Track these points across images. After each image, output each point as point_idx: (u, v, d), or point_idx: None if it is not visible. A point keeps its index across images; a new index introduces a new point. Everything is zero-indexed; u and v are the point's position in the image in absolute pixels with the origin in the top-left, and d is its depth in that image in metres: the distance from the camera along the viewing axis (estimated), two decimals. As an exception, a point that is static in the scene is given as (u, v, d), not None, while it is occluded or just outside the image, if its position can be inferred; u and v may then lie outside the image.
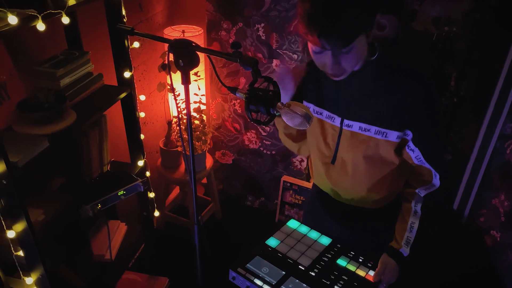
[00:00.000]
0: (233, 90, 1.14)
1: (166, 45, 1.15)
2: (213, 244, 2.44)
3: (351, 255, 1.25)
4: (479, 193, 2.36)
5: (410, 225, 1.25)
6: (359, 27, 1.02)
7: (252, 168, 2.77)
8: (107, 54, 1.66)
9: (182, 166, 2.50)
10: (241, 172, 2.81)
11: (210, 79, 2.58)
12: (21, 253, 1.30)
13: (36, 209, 1.45)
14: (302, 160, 2.61)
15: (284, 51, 2.33)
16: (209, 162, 2.53)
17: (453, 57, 2.11)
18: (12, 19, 1.07)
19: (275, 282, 1.13)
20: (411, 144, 1.17)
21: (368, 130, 1.18)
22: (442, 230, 2.37)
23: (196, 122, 2.35)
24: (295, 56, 2.32)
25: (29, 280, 1.34)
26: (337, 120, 1.23)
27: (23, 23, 1.11)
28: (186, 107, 1.19)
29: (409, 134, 1.16)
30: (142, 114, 1.81)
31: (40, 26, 1.16)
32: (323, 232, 1.36)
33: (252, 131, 2.63)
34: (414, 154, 1.19)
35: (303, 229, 1.35)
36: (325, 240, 1.31)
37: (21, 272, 1.34)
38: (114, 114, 1.86)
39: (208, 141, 2.43)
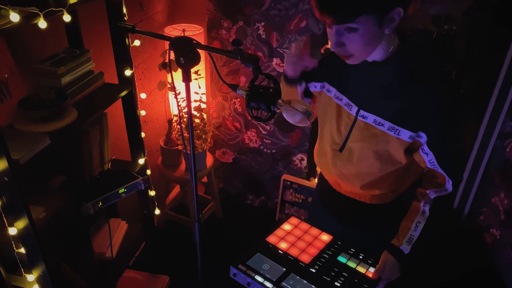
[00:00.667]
0: (234, 87, 1.15)
1: (167, 43, 1.16)
2: (214, 242, 2.44)
3: (351, 252, 1.26)
4: (479, 191, 2.36)
5: (415, 224, 1.24)
6: (361, 7, 0.99)
7: (252, 167, 2.77)
8: (108, 52, 1.67)
9: (183, 165, 2.51)
10: (241, 171, 2.82)
11: (211, 77, 2.58)
12: (22, 250, 1.30)
13: (37, 206, 1.46)
14: (302, 159, 2.62)
15: (285, 50, 2.33)
16: (209, 160, 2.53)
17: (453, 56, 2.11)
18: (14, 17, 1.08)
19: (276, 278, 1.14)
20: (425, 147, 1.15)
21: (382, 125, 1.17)
22: (444, 230, 2.38)
23: (197, 120, 2.35)
24: (295, 54, 2.32)
25: (31, 277, 1.35)
26: (354, 109, 1.22)
27: (24, 21, 1.12)
28: (187, 105, 1.20)
29: (423, 137, 1.14)
30: (142, 112, 1.81)
31: (42, 23, 1.17)
32: (326, 230, 1.36)
33: (253, 130, 2.63)
34: (427, 158, 1.17)
35: (304, 226, 1.36)
36: (326, 237, 1.32)
37: (22, 269, 1.34)
38: (115, 112, 1.86)
39: (209, 140, 2.44)
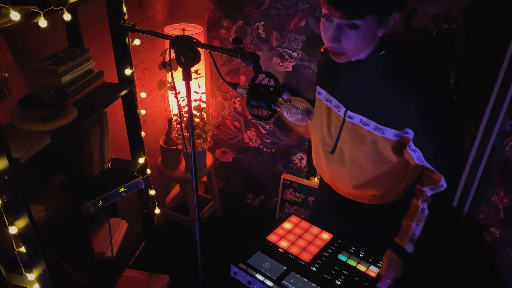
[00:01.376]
0: (235, 86, 1.15)
1: (166, 43, 1.16)
2: (214, 241, 2.45)
3: (351, 251, 1.26)
4: (478, 190, 2.37)
5: (415, 223, 1.24)
6: (371, 5, 1.00)
7: (252, 166, 2.77)
8: (108, 51, 1.67)
9: (183, 164, 2.51)
10: (241, 170, 2.82)
11: (210, 77, 2.58)
12: (23, 249, 1.30)
13: (38, 205, 1.46)
14: (302, 158, 2.62)
15: (284, 49, 2.33)
16: (209, 160, 2.54)
17: (453, 55, 2.12)
18: (14, 16, 1.08)
19: (276, 277, 1.14)
20: (411, 144, 1.16)
21: (367, 125, 1.18)
22: (446, 227, 2.38)
23: (196, 120, 2.35)
24: (295, 54, 2.32)
25: (31, 276, 1.35)
26: (342, 110, 1.23)
27: (25, 20, 1.12)
28: (187, 104, 1.20)
29: (410, 133, 1.14)
30: (142, 112, 1.81)
31: (42, 22, 1.17)
32: (328, 229, 1.36)
33: (252, 129, 2.64)
34: (415, 155, 1.17)
35: (304, 225, 1.36)
36: (326, 236, 1.32)
37: (23, 268, 1.34)
38: (115, 111, 1.86)
39: (208, 139, 2.44)
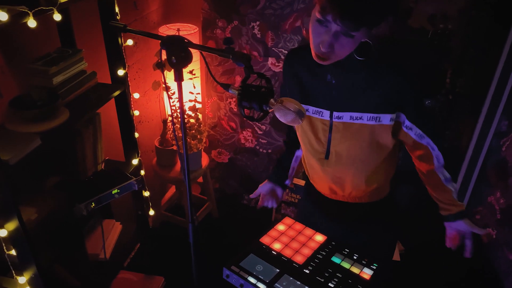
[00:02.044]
0: (226, 86, 1.13)
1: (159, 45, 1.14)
2: (210, 243, 2.44)
3: (345, 253, 1.24)
4: (475, 190, 2.36)
5: (453, 192, 1.30)
6: (374, 19, 1.01)
7: (248, 167, 2.76)
8: (101, 52, 1.65)
9: (178, 165, 2.49)
10: (237, 171, 2.80)
11: (206, 77, 2.57)
12: (13, 252, 1.29)
13: (29, 207, 1.44)
14: (298, 159, 2.61)
15: (280, 49, 2.32)
16: (205, 161, 2.52)
17: (449, 54, 2.11)
18: (2, 16, 1.06)
19: (269, 280, 1.13)
20: (407, 122, 1.19)
21: (360, 118, 1.19)
22: (438, 228, 2.37)
23: (192, 120, 2.34)
24: (290, 54, 2.31)
25: (22, 279, 1.33)
26: (326, 113, 1.23)
27: (13, 20, 1.10)
28: (179, 104, 1.18)
29: (401, 116, 1.18)
30: (136, 112, 1.80)
31: (31, 23, 1.15)
32: (317, 230, 1.36)
33: (248, 129, 2.62)
34: (413, 132, 1.21)
35: (298, 226, 1.35)
36: (320, 238, 1.30)
37: (13, 272, 1.33)
38: (109, 112, 1.85)
39: (204, 140, 2.42)
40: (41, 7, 1.17)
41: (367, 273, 1.18)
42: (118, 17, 1.55)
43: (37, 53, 1.52)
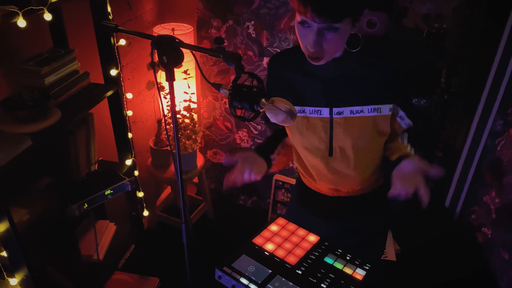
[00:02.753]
0: (218, 86, 1.13)
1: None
2: (205, 243, 2.42)
3: (338, 253, 1.24)
4: (470, 190, 2.36)
5: (404, 138, 1.30)
6: (350, 8, 1.02)
7: (244, 167, 2.75)
8: (94, 52, 1.64)
9: (173, 166, 2.48)
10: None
11: (201, 77, 2.56)
12: (4, 253, 1.28)
13: (21, 208, 1.43)
14: (294, 159, 2.60)
15: (275, 49, 2.32)
16: (200, 161, 2.51)
17: (444, 54, 2.11)
18: (-9, 15, 1.05)
19: (261, 280, 1.12)
20: (401, 112, 1.23)
21: (361, 111, 1.20)
22: (434, 228, 2.37)
23: (187, 120, 2.33)
24: (285, 53, 2.30)
25: (13, 281, 1.33)
26: (325, 111, 1.23)
27: (3, 20, 1.09)
28: (171, 104, 1.18)
29: (396, 107, 1.22)
30: (129, 113, 1.79)
31: (21, 22, 1.14)
32: (308, 229, 1.35)
33: (244, 129, 2.62)
34: (404, 122, 1.25)
35: (291, 227, 1.34)
36: (313, 238, 1.30)
37: (5, 273, 1.32)
38: (102, 112, 1.84)
39: (199, 140, 2.42)
40: (31, 7, 1.17)
41: (359, 274, 1.17)
42: (110, 17, 1.54)
43: (29, 53, 1.51)
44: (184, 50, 1.12)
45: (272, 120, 1.04)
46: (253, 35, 2.32)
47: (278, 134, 1.47)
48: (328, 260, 1.21)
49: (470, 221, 2.36)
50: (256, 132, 2.59)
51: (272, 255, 1.21)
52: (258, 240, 1.27)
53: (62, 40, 1.62)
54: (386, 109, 1.20)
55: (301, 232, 1.32)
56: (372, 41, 1.24)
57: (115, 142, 1.83)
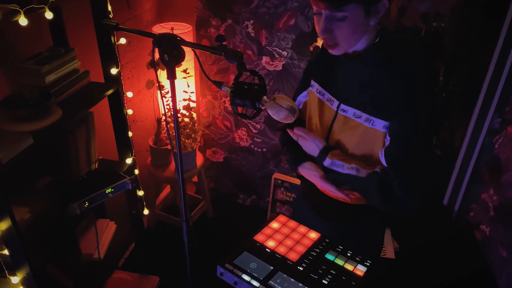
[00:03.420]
0: (219, 84, 1.13)
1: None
2: (204, 242, 2.43)
3: (339, 250, 1.25)
4: (468, 188, 2.37)
5: (353, 166, 1.20)
6: None
7: (243, 166, 2.76)
8: (94, 51, 1.65)
9: (172, 165, 2.49)
10: (232, 170, 2.80)
11: (200, 76, 2.57)
12: (6, 252, 1.28)
13: (22, 207, 1.43)
14: (293, 157, 2.61)
15: (274, 48, 2.32)
16: (199, 160, 2.52)
17: (442, 53, 2.12)
18: (-7, 14, 1.06)
19: (263, 277, 1.12)
20: (388, 137, 1.15)
21: (360, 117, 1.20)
22: (433, 226, 2.38)
23: (186, 119, 2.33)
24: (284, 53, 2.31)
25: (15, 279, 1.33)
26: (335, 103, 1.25)
27: (4, 18, 1.09)
28: (172, 102, 1.18)
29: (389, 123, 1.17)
30: (129, 111, 1.79)
31: (22, 21, 1.15)
32: (311, 228, 1.36)
33: (243, 128, 2.62)
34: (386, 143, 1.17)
35: (292, 224, 1.35)
36: (314, 235, 1.31)
37: (6, 272, 1.32)
38: (102, 111, 1.84)
39: (198, 139, 2.42)
40: (33, 5, 1.17)
41: (360, 270, 1.18)
42: (110, 16, 1.55)
43: (29, 52, 1.51)
44: (184, 49, 1.13)
45: (274, 117, 1.04)
46: (252, 34, 2.32)
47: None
48: (329, 256, 1.22)
49: (468, 219, 2.38)
50: (255, 131, 2.60)
51: (273, 252, 1.22)
52: (259, 237, 1.28)
53: (62, 39, 1.62)
54: (379, 124, 1.15)
55: (302, 229, 1.33)
56: (395, 41, 1.19)
57: (116, 141, 1.83)
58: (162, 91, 2.23)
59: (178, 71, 2.21)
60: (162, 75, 2.24)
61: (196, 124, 2.38)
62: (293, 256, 1.21)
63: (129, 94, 1.76)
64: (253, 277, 1.12)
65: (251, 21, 2.29)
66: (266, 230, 1.31)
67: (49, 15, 1.23)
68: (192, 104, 2.34)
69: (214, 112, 2.64)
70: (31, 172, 1.54)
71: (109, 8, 1.53)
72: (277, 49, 2.32)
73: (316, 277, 1.14)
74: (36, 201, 1.49)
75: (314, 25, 1.19)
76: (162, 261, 2.38)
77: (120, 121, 1.78)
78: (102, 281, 1.92)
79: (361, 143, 1.22)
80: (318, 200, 1.43)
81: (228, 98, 2.54)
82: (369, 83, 1.18)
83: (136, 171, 1.90)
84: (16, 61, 1.45)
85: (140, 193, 1.96)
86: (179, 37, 1.11)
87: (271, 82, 2.40)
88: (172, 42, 1.10)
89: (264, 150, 2.65)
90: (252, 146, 2.66)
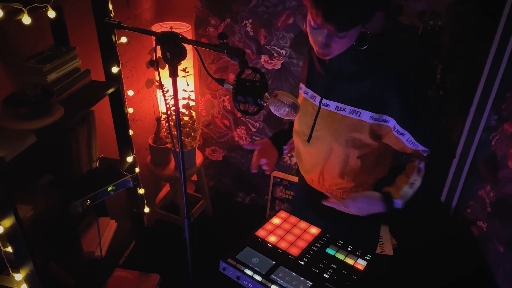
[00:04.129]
0: (221, 81, 1.15)
1: (154, 41, 1.15)
2: (204, 240, 2.44)
3: (340, 244, 1.27)
4: (465, 184, 2.40)
5: (411, 181, 1.25)
6: (361, 18, 1.06)
7: (242, 164, 2.77)
8: (95, 49, 1.66)
9: (172, 163, 2.50)
10: (231, 168, 2.82)
11: (199, 75, 2.58)
12: (9, 249, 1.29)
13: (25, 205, 1.44)
14: (292, 156, 2.63)
15: (272, 47, 2.34)
16: (199, 159, 2.53)
17: (439, 51, 2.14)
18: (-3, 12, 1.07)
19: (265, 271, 1.14)
20: (398, 127, 1.19)
21: (343, 110, 1.23)
22: (430, 223, 2.41)
23: (185, 118, 2.35)
24: (283, 52, 2.33)
25: (18, 276, 1.34)
26: (318, 99, 1.29)
27: (8, 17, 1.11)
28: (174, 100, 1.20)
29: (390, 120, 1.19)
30: (130, 110, 1.80)
31: (26, 19, 1.16)
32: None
33: (242, 127, 2.64)
34: (404, 138, 1.21)
35: (293, 220, 1.37)
36: (314, 230, 1.32)
37: (10, 269, 1.33)
38: (103, 110, 1.85)
39: (198, 138, 2.43)
40: (36, 4, 1.18)
41: (361, 264, 1.20)
42: (111, 15, 1.56)
43: (30, 51, 1.52)
44: (185, 47, 1.14)
45: (276, 113, 1.06)
46: (251, 33, 2.34)
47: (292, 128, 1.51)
48: (330, 251, 1.24)
49: (465, 215, 2.40)
50: (254, 130, 2.61)
51: (275, 247, 1.24)
52: (261, 233, 1.29)
53: (64, 38, 1.63)
54: (366, 115, 1.20)
55: (303, 224, 1.35)
56: (378, 39, 1.23)
57: (116, 139, 1.84)
58: (160, 90, 2.24)
59: (178, 70, 2.22)
60: (162, 74, 2.25)
61: (195, 123, 2.39)
62: (295, 251, 1.23)
63: (130, 93, 1.77)
64: (255, 272, 1.14)
65: (250, 20, 2.31)
66: (268, 226, 1.33)
67: (51, 13, 1.24)
68: (192, 103, 2.35)
69: (213, 111, 2.65)
70: (34, 170, 1.55)
71: (110, 7, 1.54)
72: (276, 48, 2.34)
73: (317, 271, 1.16)
74: (39, 199, 1.50)
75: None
76: (162, 259, 2.39)
77: (120, 120, 1.79)
78: (104, 279, 1.93)
79: (346, 136, 1.24)
80: (317, 198, 1.45)
81: (227, 97, 2.56)
82: (352, 77, 1.21)
83: (137, 169, 1.92)
84: (18, 59, 1.46)
85: (141, 191, 1.97)
86: (181, 35, 1.12)
87: (270, 81, 2.42)
88: (174, 40, 1.11)
89: (263, 148, 2.66)
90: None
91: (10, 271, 1.33)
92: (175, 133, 2.27)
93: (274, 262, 1.18)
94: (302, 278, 1.13)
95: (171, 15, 2.49)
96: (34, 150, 1.28)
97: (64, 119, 1.42)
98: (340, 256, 1.22)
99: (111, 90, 1.66)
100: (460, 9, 2.03)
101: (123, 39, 1.66)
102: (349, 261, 1.21)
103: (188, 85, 2.34)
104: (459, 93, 2.23)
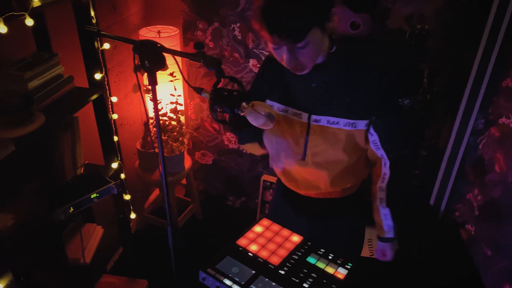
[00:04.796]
0: (199, 90, 1.14)
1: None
2: (194, 244, 2.43)
3: (321, 253, 1.26)
4: (454, 188, 2.40)
5: (383, 215, 1.38)
6: (311, 22, 1.01)
7: (232, 168, 2.77)
8: (78, 56, 1.64)
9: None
10: (221, 172, 2.81)
11: (188, 79, 2.57)
12: (-12, 259, 1.28)
13: (5, 213, 1.43)
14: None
15: (260, 51, 2.33)
16: (188, 163, 2.52)
17: (426, 54, 2.14)
18: (-29, 22, 1.05)
19: (245, 281, 1.13)
20: (371, 128, 1.21)
21: (337, 123, 1.21)
22: (419, 226, 2.41)
23: (173, 123, 2.34)
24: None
25: (-2, 286, 1.33)
26: (305, 116, 1.24)
27: (-17, 26, 1.09)
28: (154, 108, 1.19)
29: (373, 119, 1.21)
30: (115, 116, 1.79)
31: (2, 28, 1.14)
32: (290, 228, 1.37)
33: (231, 131, 2.63)
34: (372, 138, 1.24)
35: (275, 227, 1.36)
36: (296, 238, 1.32)
37: (-11, 279, 1.32)
38: (88, 116, 1.84)
39: (186, 142, 2.42)
40: (12, 13, 1.17)
41: (341, 273, 1.19)
42: (94, 21, 1.55)
43: (12, 58, 1.50)
44: (165, 55, 1.14)
45: (253, 123, 1.05)
46: (239, 37, 2.33)
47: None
48: (311, 260, 1.23)
49: (454, 219, 2.40)
50: (244, 133, 2.61)
51: (255, 256, 1.23)
52: (242, 242, 1.29)
53: (46, 45, 1.62)
54: (361, 124, 1.20)
55: (285, 232, 1.34)
56: (355, 42, 1.23)
57: (101, 145, 1.83)
58: (148, 95, 2.23)
59: (165, 74, 2.22)
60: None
61: (183, 127, 2.38)
62: (275, 260, 1.22)
63: (114, 99, 1.76)
64: (235, 282, 1.13)
65: (238, 24, 2.30)
66: (249, 234, 1.32)
67: (29, 22, 1.23)
68: (180, 107, 2.34)
69: (202, 114, 2.64)
70: (15, 178, 1.53)
71: (92, 13, 1.53)
72: (264, 52, 2.33)
73: (297, 280, 1.15)
74: (21, 207, 1.48)
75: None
76: (150, 264, 2.38)
77: (105, 126, 1.78)
78: (91, 285, 1.92)
79: (345, 145, 1.24)
80: (298, 200, 1.45)
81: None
82: (338, 89, 1.18)
83: (123, 175, 1.91)
84: (-1, 67, 1.45)
85: (127, 197, 1.96)
86: (159, 43, 1.12)
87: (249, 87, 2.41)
88: (152, 48, 1.11)
89: (253, 152, 2.66)
90: (241, 148, 2.67)
91: (-10, 281, 1.32)
92: (163, 138, 2.26)
93: (254, 272, 1.17)
94: (282, 288, 1.12)
95: (159, 19, 2.48)
96: (15, 158, 1.27)
97: (46, 127, 1.41)
98: (321, 265, 1.21)
99: (94, 97, 1.65)
100: (447, 14, 2.03)
101: (106, 46, 1.65)
102: (330, 270, 1.20)
103: (175, 89, 2.33)
104: (446, 96, 2.23)
